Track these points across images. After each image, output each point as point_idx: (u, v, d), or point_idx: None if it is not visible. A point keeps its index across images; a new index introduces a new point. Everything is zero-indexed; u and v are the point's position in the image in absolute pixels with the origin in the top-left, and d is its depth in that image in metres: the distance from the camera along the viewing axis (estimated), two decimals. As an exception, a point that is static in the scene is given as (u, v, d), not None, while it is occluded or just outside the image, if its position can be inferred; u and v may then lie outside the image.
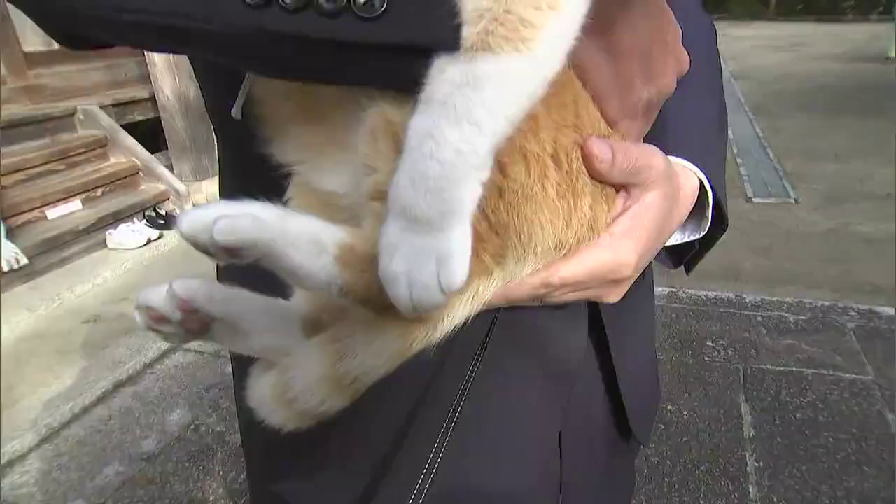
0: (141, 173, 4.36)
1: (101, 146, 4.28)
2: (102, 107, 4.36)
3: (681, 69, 0.46)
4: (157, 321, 0.42)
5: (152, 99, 4.61)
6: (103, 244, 3.87)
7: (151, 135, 4.85)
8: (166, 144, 4.67)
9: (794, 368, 2.51)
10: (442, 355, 0.44)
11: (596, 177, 0.41)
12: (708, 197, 0.55)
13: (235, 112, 0.47)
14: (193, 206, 4.40)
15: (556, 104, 0.37)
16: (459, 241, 0.34)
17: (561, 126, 0.38)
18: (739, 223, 3.86)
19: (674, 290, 3.13)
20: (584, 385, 0.64)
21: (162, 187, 4.34)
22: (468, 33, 0.32)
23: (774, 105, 7.36)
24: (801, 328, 2.79)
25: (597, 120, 0.41)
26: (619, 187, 0.44)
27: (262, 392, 0.46)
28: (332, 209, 0.44)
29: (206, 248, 0.35)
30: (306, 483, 0.61)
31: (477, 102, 0.32)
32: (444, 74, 0.33)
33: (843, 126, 6.24)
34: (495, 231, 0.38)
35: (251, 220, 0.34)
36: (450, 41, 0.33)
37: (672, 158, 0.49)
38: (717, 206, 0.56)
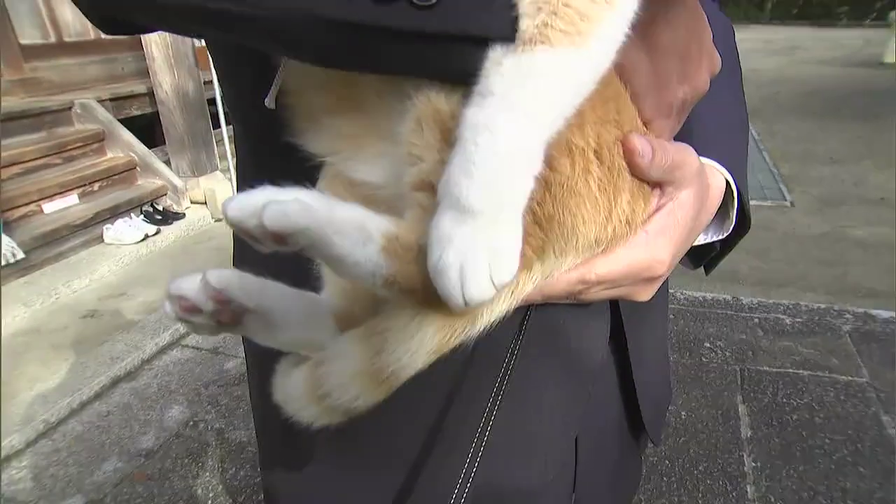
0: (138, 168, 4.34)
1: (98, 140, 4.26)
2: (100, 101, 4.33)
3: (713, 69, 0.46)
4: (188, 311, 0.42)
5: (150, 94, 4.59)
6: (100, 239, 3.85)
7: (149, 129, 4.82)
8: (164, 139, 4.64)
9: (790, 370, 2.53)
10: (469, 351, 0.44)
11: (635, 173, 0.41)
12: (732, 197, 0.55)
13: (269, 102, 0.47)
14: (191, 202, 4.41)
15: (600, 100, 0.37)
16: (511, 235, 0.35)
17: (604, 121, 0.39)
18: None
19: (671, 291, 3.14)
20: (601, 384, 0.65)
21: (159, 183, 4.32)
22: (526, 26, 0.32)
23: (770, 108, 7.39)
24: (797, 330, 2.81)
25: (634, 117, 0.41)
26: (655, 185, 0.44)
27: (293, 388, 0.46)
28: (367, 201, 0.43)
29: (252, 233, 0.34)
30: (327, 480, 0.61)
31: (534, 96, 0.32)
32: (501, 67, 0.33)
33: (837, 130, 6.28)
34: (539, 224, 0.38)
35: (301, 206, 0.34)
36: (507, 32, 0.33)
37: (702, 159, 0.49)
38: (741, 208, 0.56)
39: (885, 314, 2.88)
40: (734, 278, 3.32)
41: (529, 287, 0.41)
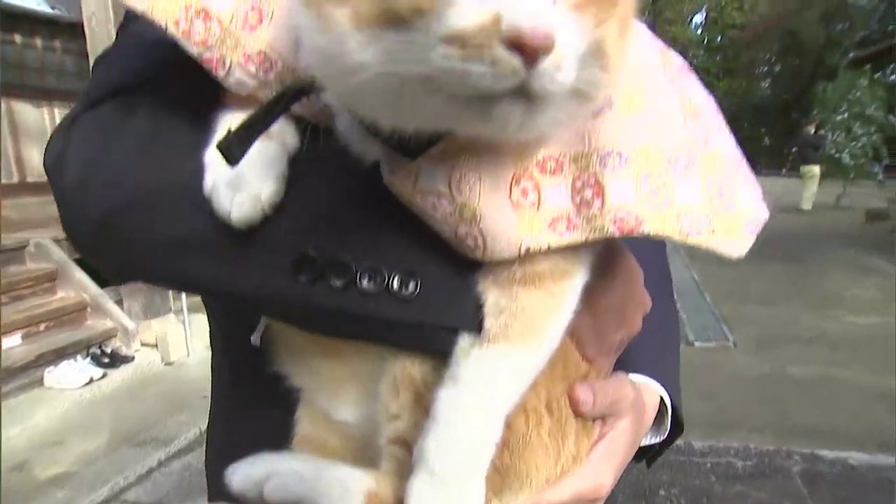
0: (89, 309, 4.27)
1: (49, 280, 4.21)
2: (56, 240, 4.34)
3: (645, 310, 0.56)
4: None
5: (109, 234, 4.61)
6: (40, 382, 3.68)
7: (104, 268, 4.78)
8: (118, 279, 4.60)
9: (746, 517, 2.54)
10: None
11: (580, 416, 0.49)
12: (667, 406, 0.63)
13: (255, 339, 0.53)
14: (141, 344, 4.29)
15: (549, 363, 0.46)
16: (477, 492, 0.42)
17: (553, 379, 0.47)
18: (682, 368, 3.99)
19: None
20: None
21: (110, 324, 4.24)
22: (490, 325, 0.42)
23: (708, 252, 7.89)
24: (749, 474, 2.85)
25: (578, 362, 0.50)
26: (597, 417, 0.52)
27: None
28: (343, 436, 0.50)
29: (253, 501, 0.41)
30: None
31: (496, 383, 0.41)
32: (469, 357, 0.42)
33: (769, 272, 6.73)
34: (498, 472, 0.45)
35: (297, 478, 0.41)
36: (473, 326, 0.42)
37: (636, 377, 0.58)
38: (674, 411, 0.65)
39: (829, 454, 2.97)
40: (684, 422, 3.38)
41: None
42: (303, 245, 0.43)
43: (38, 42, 4.89)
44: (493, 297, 0.42)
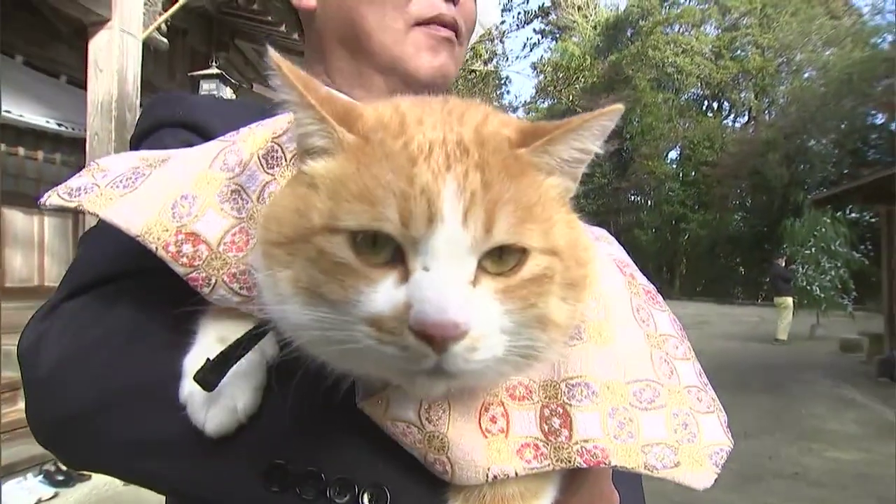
0: (49, 421, 4.08)
1: (13, 389, 4.05)
2: (26, 349, 4.23)
3: None
4: None
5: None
6: (-20, 504, 3.43)
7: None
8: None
9: None
10: None
11: None
12: None
13: None
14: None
15: None
16: None
17: None
18: None
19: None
20: None
21: (69, 438, 4.03)
22: None
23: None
24: None
25: None
26: None
27: None
28: None
29: None
30: None
31: None
32: None
33: (747, 403, 6.67)
34: None
35: None
36: None
37: None
38: None
39: None
40: (665, 563, 3.20)
41: None
42: (275, 454, 0.44)
43: (41, 155, 5.06)
44: None
